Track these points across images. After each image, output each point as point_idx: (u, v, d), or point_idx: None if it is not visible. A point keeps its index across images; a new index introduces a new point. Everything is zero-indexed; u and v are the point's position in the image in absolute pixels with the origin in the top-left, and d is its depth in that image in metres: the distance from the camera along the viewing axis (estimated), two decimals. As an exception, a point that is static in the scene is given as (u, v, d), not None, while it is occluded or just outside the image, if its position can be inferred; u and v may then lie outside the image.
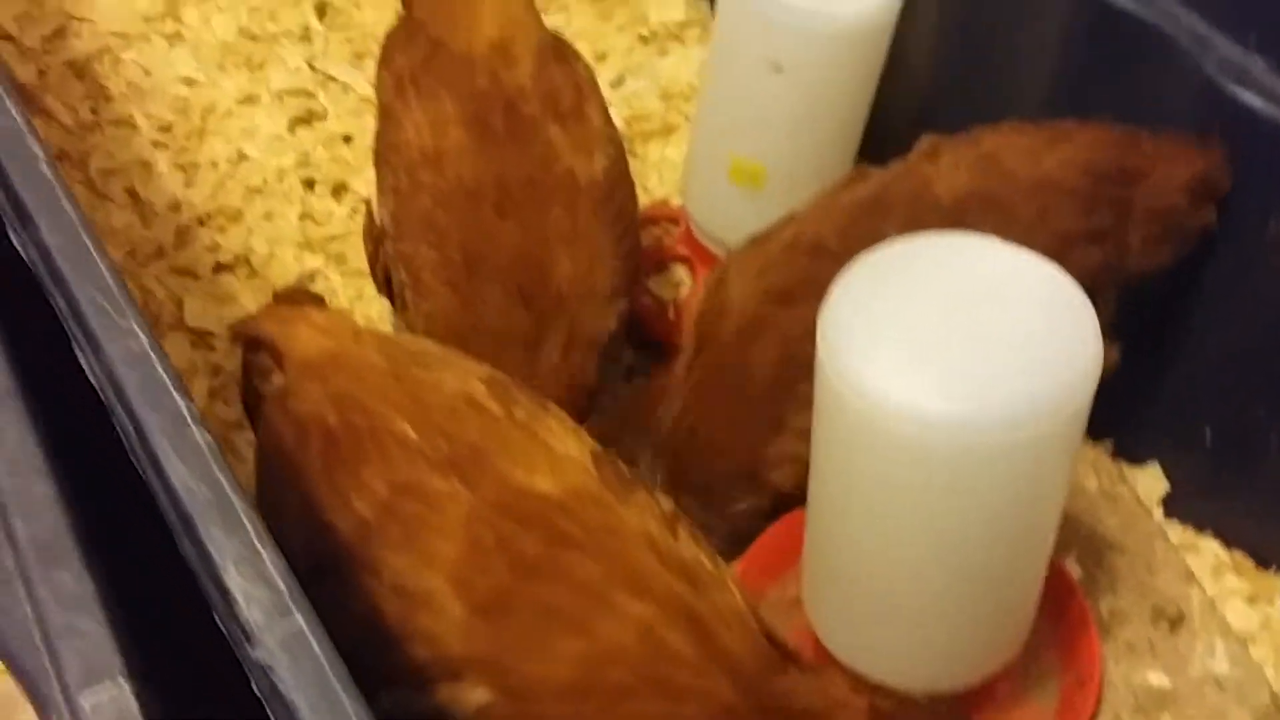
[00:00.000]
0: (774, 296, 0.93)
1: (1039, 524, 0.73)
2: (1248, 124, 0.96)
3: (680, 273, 1.31)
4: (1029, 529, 0.73)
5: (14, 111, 0.57)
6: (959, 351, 0.67)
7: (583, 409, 1.06)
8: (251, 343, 0.88)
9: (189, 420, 0.49)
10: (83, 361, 0.52)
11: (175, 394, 0.50)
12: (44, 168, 0.55)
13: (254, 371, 0.86)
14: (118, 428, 0.51)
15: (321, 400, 0.78)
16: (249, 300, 1.29)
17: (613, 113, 1.46)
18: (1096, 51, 1.06)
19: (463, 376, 0.79)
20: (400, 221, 1.05)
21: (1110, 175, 0.96)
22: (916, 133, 1.23)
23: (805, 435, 0.89)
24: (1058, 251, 0.90)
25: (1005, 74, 1.15)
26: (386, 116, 1.08)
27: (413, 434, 0.72)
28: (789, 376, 0.91)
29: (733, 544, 0.97)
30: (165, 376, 0.50)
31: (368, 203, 1.14)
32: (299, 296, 0.97)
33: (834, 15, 1.05)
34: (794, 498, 0.92)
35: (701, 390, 0.98)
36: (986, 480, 0.67)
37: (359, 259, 1.32)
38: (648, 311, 1.25)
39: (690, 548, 0.69)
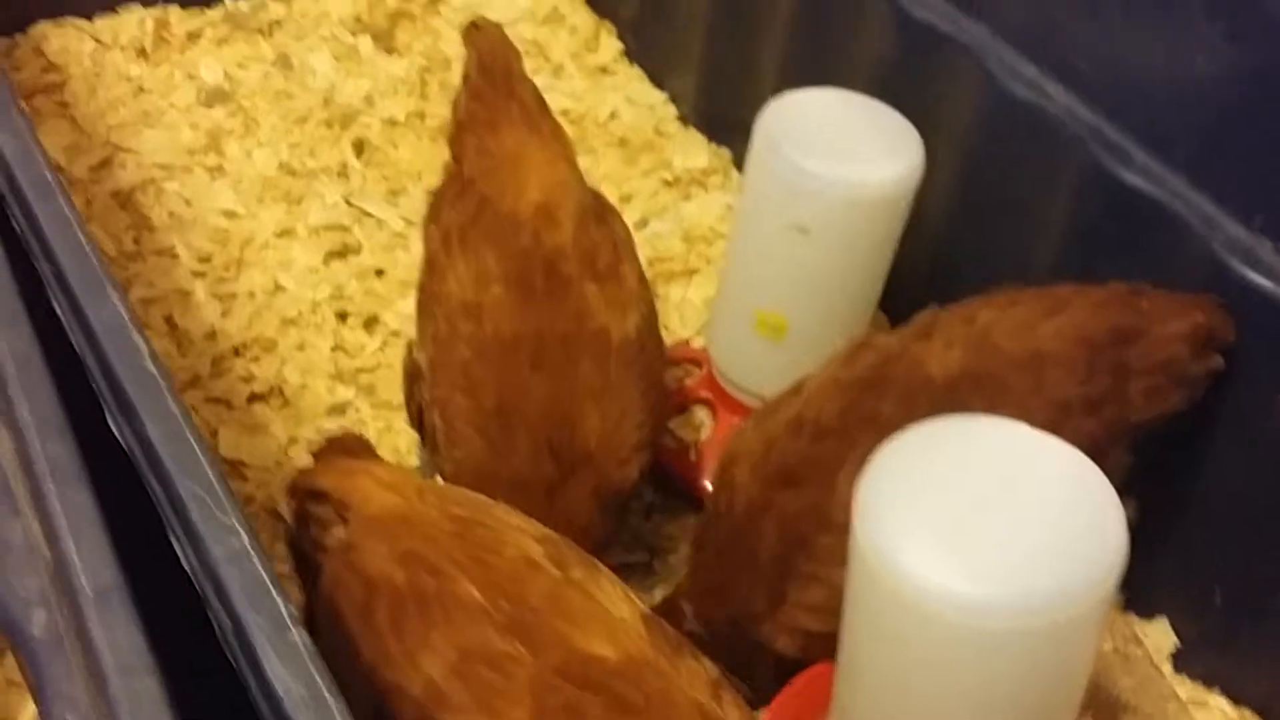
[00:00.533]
0: (777, 477, 0.97)
1: (1064, 699, 0.76)
2: (1255, 302, 1.00)
3: (702, 415, 1.35)
4: (1054, 704, 0.76)
5: (119, 305, 0.61)
6: (990, 536, 0.71)
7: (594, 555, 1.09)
8: (312, 494, 0.91)
9: (289, 622, 0.52)
10: (180, 554, 0.55)
11: (276, 595, 0.53)
12: (147, 362, 0.59)
13: (313, 522, 0.89)
14: (214, 622, 0.54)
15: (389, 559, 0.80)
16: (280, 430, 1.33)
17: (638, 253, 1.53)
18: (1107, 225, 1.12)
19: (519, 537, 0.82)
20: (438, 368, 1.09)
21: (1106, 339, 0.98)
22: (934, 286, 1.29)
23: (808, 609, 0.93)
24: (1056, 421, 0.94)
25: (1017, 239, 1.20)
26: (432, 267, 1.13)
27: (478, 596, 0.75)
28: (790, 553, 0.95)
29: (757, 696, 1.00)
30: (266, 576, 0.53)
31: (409, 344, 1.18)
32: (352, 445, 1.00)
33: (859, 183, 1.10)
34: (802, 663, 0.96)
35: (710, 565, 1.02)
36: (1015, 661, 0.70)
37: (389, 391, 1.37)
38: (670, 453, 1.28)
39: (733, 712, 0.72)
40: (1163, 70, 1.08)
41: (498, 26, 1.28)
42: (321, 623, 0.83)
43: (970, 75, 1.19)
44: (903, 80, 1.26)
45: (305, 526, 0.91)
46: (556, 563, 0.80)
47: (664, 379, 1.15)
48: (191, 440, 0.58)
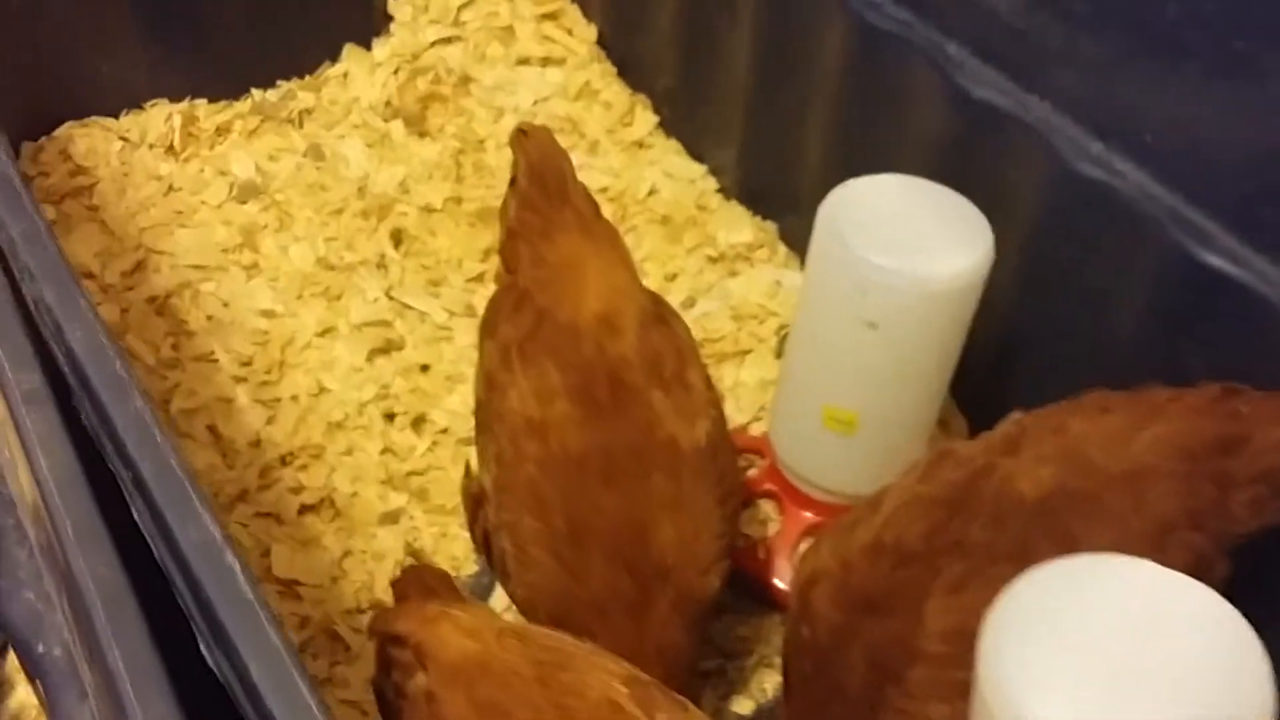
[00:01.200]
0: (861, 604, 0.93)
1: None
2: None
3: (767, 509, 1.30)
4: None
5: (209, 523, 0.58)
6: (1128, 693, 0.66)
7: (685, 674, 1.05)
8: (391, 638, 0.87)
9: None
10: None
11: None
12: (242, 582, 0.55)
13: (395, 667, 0.86)
14: None
15: (467, 709, 0.78)
16: (334, 543, 1.29)
17: (685, 335, 1.50)
18: (1187, 308, 1.07)
19: (605, 679, 0.79)
20: (503, 490, 1.05)
21: (1207, 450, 0.94)
22: (1003, 368, 1.24)
23: None
24: (1159, 538, 0.90)
25: (1091, 322, 1.16)
26: (491, 385, 1.09)
27: None
28: (880, 685, 0.91)
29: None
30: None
31: (466, 464, 1.14)
32: (432, 580, 0.97)
33: (928, 278, 1.06)
34: None
35: (800, 697, 0.98)
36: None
37: (441, 494, 1.33)
38: (737, 551, 1.24)
39: None
40: (1241, 144, 1.04)
41: (547, 131, 1.24)
42: None
43: (1035, 154, 1.15)
44: (961, 159, 1.22)
45: (386, 671, 0.88)
46: (643, 706, 0.78)
47: (739, 486, 1.11)
48: (295, 676, 0.54)
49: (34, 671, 0.71)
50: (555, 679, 0.80)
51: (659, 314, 1.11)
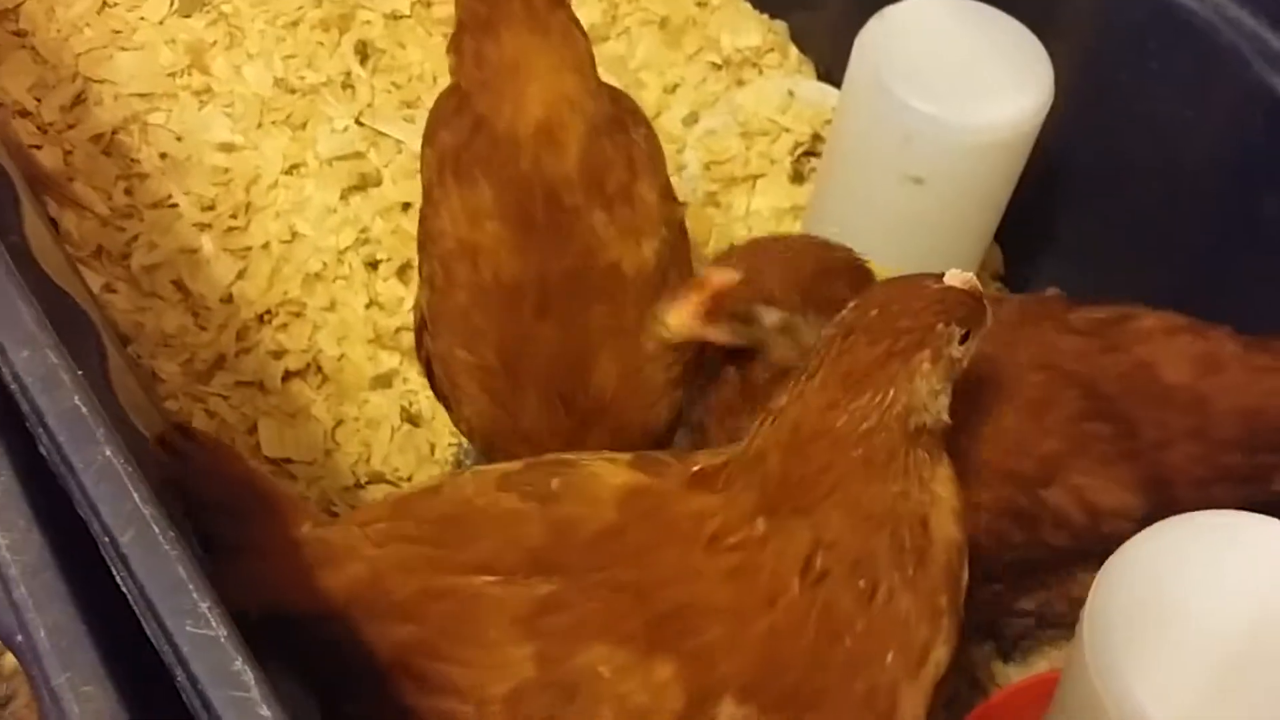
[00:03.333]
0: None
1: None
2: None
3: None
4: None
5: (215, 620, 0.48)
6: (1231, 680, 0.60)
7: None
8: None
9: None
10: None
11: None
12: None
13: None
14: None
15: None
16: (323, 412, 1.20)
17: (690, 155, 1.36)
18: (1269, 147, 0.96)
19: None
20: (436, 317, 0.97)
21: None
22: (1049, 207, 1.13)
23: None
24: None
25: (1153, 163, 1.04)
26: (427, 199, 0.98)
27: None
28: None
29: None
30: None
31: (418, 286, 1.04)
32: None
33: (983, 127, 0.94)
34: None
35: None
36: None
37: (437, 351, 1.23)
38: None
39: None
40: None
41: None
42: None
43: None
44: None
45: None
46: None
47: None
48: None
49: (18, 658, 0.63)
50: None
51: (616, 118, 0.98)
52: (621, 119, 0.99)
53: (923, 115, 0.93)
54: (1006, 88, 0.95)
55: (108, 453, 0.53)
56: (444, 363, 0.97)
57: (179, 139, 1.34)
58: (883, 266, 1.05)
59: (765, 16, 1.44)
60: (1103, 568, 0.66)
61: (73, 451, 0.53)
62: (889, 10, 0.99)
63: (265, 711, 0.47)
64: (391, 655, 0.76)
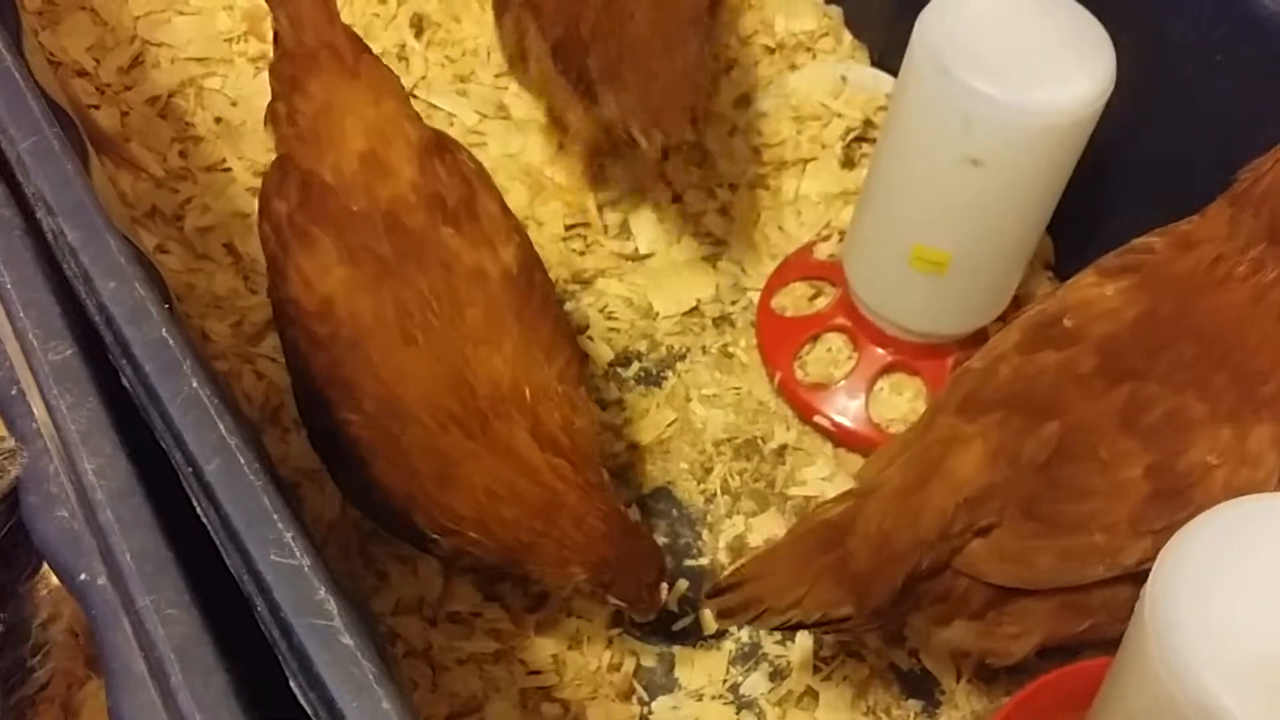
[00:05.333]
0: None
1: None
2: None
3: (837, 344, 1.21)
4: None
5: (299, 550, 0.49)
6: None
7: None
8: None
9: None
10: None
11: None
12: (344, 638, 0.47)
13: None
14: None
15: None
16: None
17: (741, 139, 1.37)
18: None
19: None
20: (312, 393, 0.92)
21: None
22: (1102, 196, 1.13)
23: None
24: None
25: (1217, 157, 1.03)
26: (272, 273, 0.96)
27: None
28: None
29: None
30: None
31: None
32: None
33: (1043, 110, 0.94)
34: None
35: None
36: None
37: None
38: (784, 381, 1.17)
39: None
40: None
41: None
42: None
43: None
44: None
45: None
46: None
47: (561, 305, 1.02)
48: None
49: (77, 599, 0.64)
50: None
51: (439, 142, 0.98)
52: (444, 143, 0.99)
53: (983, 97, 0.93)
54: (1068, 72, 0.95)
55: (194, 384, 0.53)
56: (343, 430, 0.90)
57: (234, 104, 1.35)
58: (939, 249, 1.06)
59: (820, 1, 1.44)
60: (1166, 546, 0.66)
61: (159, 382, 0.54)
62: (951, -8, 0.99)
63: (347, 640, 0.48)
64: None
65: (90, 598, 0.63)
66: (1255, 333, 0.84)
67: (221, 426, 0.53)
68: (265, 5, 1.39)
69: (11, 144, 0.67)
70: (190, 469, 0.53)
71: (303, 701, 0.50)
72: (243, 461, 0.52)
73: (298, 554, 0.50)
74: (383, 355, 0.89)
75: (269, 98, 1.33)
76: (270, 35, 1.38)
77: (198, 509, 0.53)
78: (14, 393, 0.62)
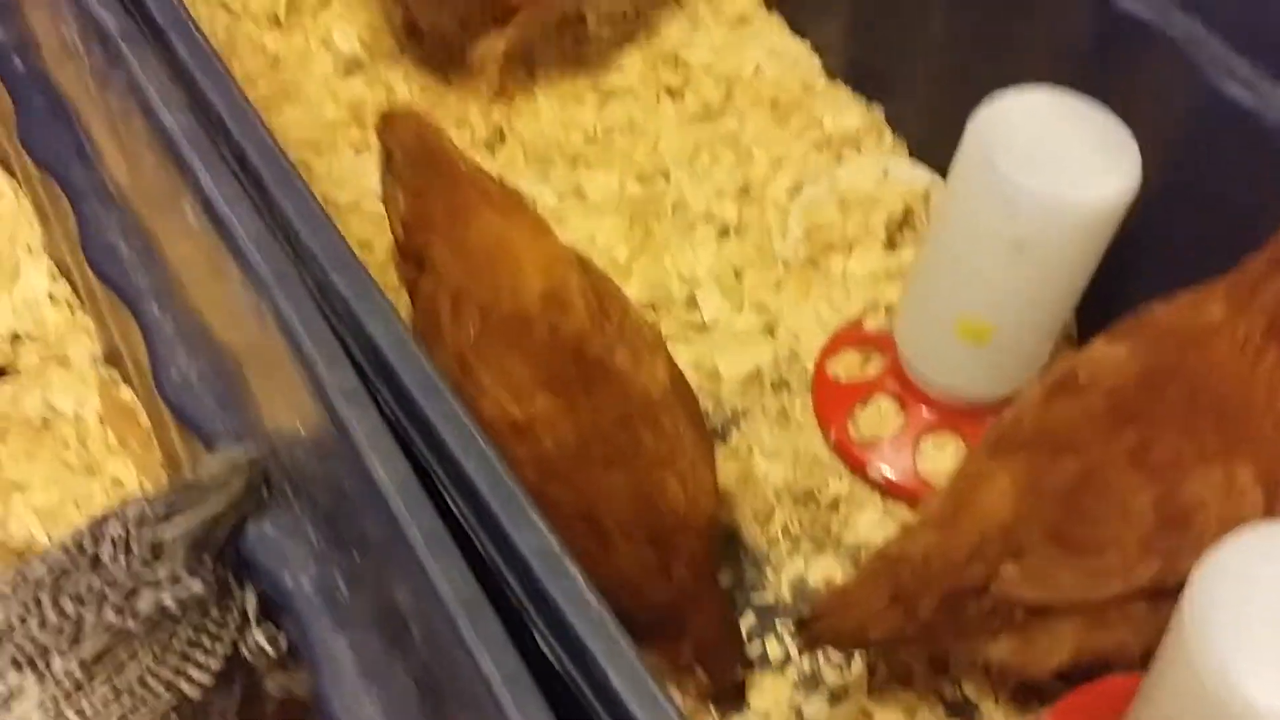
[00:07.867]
0: None
1: None
2: None
3: (886, 407, 1.35)
4: None
5: (544, 530, 0.61)
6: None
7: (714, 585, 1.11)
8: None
9: None
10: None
11: None
12: (587, 593, 0.59)
13: None
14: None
15: None
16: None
17: (793, 222, 1.51)
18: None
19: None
20: None
21: None
22: (1125, 282, 1.27)
23: None
24: None
25: (1229, 249, 1.18)
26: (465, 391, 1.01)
27: None
28: None
29: None
30: None
31: None
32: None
33: (1081, 201, 1.08)
34: None
35: None
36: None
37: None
38: (841, 442, 1.30)
39: None
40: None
41: (411, 111, 1.17)
42: None
43: (1178, 72, 1.16)
44: (1097, 72, 1.22)
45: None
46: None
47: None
48: (648, 680, 0.58)
49: (281, 604, 0.76)
50: None
51: (584, 263, 1.07)
52: (587, 263, 1.09)
53: (1027, 189, 1.08)
54: (1099, 170, 1.10)
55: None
56: None
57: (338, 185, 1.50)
58: (984, 322, 1.20)
59: (864, 100, 1.60)
60: (1200, 561, 0.78)
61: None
62: (998, 98, 1.14)
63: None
64: None
65: (295, 602, 0.75)
66: (1238, 383, 0.99)
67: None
68: (366, 96, 1.57)
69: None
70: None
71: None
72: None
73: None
74: (587, 480, 0.99)
75: (371, 180, 1.50)
76: (368, 121, 1.55)
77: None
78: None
